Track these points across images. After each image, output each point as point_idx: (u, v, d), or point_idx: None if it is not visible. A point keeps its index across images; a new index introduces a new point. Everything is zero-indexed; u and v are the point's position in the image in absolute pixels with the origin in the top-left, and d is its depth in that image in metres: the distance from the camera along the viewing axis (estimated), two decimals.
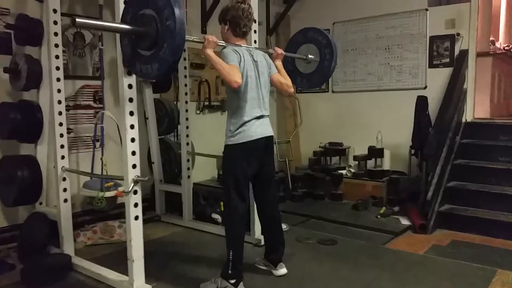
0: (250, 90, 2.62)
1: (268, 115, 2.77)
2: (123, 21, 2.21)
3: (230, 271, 2.57)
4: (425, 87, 4.91)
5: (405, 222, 4.06)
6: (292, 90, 2.94)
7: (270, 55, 2.96)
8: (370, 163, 5.00)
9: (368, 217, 4.24)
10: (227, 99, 2.74)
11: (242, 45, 2.70)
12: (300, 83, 3.48)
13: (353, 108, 5.48)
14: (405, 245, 3.51)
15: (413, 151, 4.60)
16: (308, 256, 3.24)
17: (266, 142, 2.71)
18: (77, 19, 1.91)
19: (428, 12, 4.85)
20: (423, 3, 4.87)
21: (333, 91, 5.71)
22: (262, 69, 2.73)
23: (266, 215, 2.91)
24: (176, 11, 1.98)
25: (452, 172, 4.22)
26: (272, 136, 2.77)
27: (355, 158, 5.09)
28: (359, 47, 5.44)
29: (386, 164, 4.95)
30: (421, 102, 4.43)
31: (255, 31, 3.28)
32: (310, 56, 3.35)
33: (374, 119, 5.21)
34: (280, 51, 3.00)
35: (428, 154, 4.14)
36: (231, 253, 2.58)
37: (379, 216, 4.22)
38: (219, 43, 2.55)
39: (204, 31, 4.95)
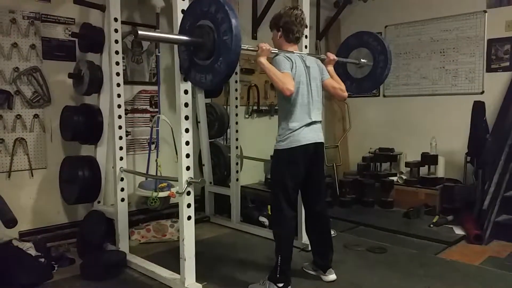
0: (301, 96, 2.62)
1: (320, 121, 2.76)
2: (181, 30, 2.29)
3: (278, 275, 2.59)
4: (482, 92, 4.70)
5: (459, 232, 3.91)
6: (346, 94, 2.91)
7: (323, 60, 2.96)
8: (423, 170, 4.85)
9: (420, 225, 4.12)
10: (278, 105, 2.76)
11: (294, 51, 2.72)
12: (349, 88, 3.40)
13: (406, 113, 5.34)
14: (459, 255, 3.38)
15: (469, 158, 4.43)
16: (357, 263, 3.20)
17: (316, 148, 2.70)
18: (139, 32, 2.02)
19: (486, 14, 4.65)
20: (481, 5, 4.68)
21: (384, 95, 5.59)
22: (314, 75, 2.73)
23: (314, 220, 2.90)
24: (234, 26, 2.02)
25: (510, 181, 4.01)
26: (322, 142, 2.76)
27: (407, 164, 4.95)
28: (412, 50, 5.30)
29: (440, 171, 4.78)
30: (478, 108, 4.25)
31: (306, 36, 3.29)
32: (363, 60, 3.30)
33: (427, 125, 5.06)
34: (332, 56, 3.00)
35: (486, 161, 3.97)
36: (279, 257, 2.60)
37: (431, 225, 4.08)
38: (272, 51, 2.58)
39: (254, 37, 5.03)
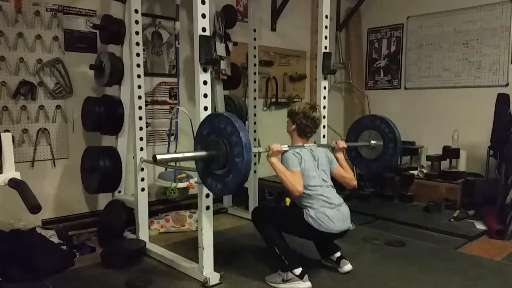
0: (316, 186, 2.65)
1: (342, 203, 2.72)
2: (198, 135, 2.40)
3: (287, 263, 2.61)
4: (507, 85, 4.59)
5: (480, 226, 3.85)
6: (355, 183, 2.94)
7: (332, 148, 3.00)
8: (445, 164, 4.77)
9: (440, 220, 4.06)
10: (296, 200, 2.75)
11: (304, 145, 2.78)
12: (358, 165, 3.48)
13: (427, 106, 5.26)
14: (480, 250, 3.33)
15: (491, 152, 4.35)
16: (375, 256, 3.18)
17: (341, 234, 2.71)
18: (157, 157, 2.19)
19: None
20: None
21: (405, 88, 5.51)
22: (323, 166, 2.77)
23: None
24: (245, 151, 2.12)
25: None
26: (347, 230, 2.73)
27: (428, 158, 4.88)
28: (434, 42, 5.20)
29: (462, 165, 4.70)
30: (502, 100, 4.15)
31: (326, 27, 3.26)
32: (373, 142, 3.31)
33: (449, 118, 4.97)
34: (342, 144, 3.04)
35: (509, 155, 3.88)
36: (275, 248, 2.64)
37: (452, 220, 4.02)
38: (283, 149, 2.65)
39: (273, 29, 5.00)
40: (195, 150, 2.41)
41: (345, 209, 2.71)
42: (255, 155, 4.03)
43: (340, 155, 3.01)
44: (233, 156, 2.18)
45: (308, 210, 2.61)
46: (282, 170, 2.57)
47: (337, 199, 2.71)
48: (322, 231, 2.59)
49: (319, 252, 2.95)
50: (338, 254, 2.86)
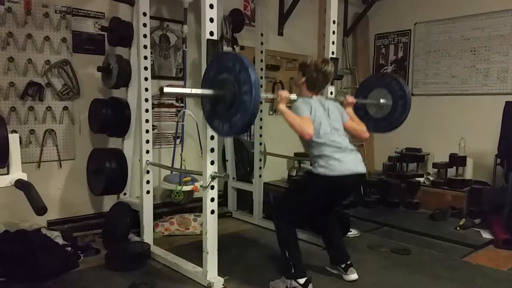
0: (327, 133, 2.63)
1: (355, 149, 2.72)
2: (205, 77, 2.35)
3: (293, 271, 2.59)
4: None
5: (486, 235, 3.81)
6: (367, 135, 2.89)
7: (341, 103, 2.98)
8: (451, 172, 4.74)
9: (446, 228, 4.02)
10: (307, 151, 2.76)
11: (313, 96, 2.76)
12: (366, 124, 3.41)
13: (434, 113, 5.23)
14: (486, 259, 3.29)
15: (499, 160, 4.30)
16: (380, 264, 3.16)
17: (356, 180, 2.69)
18: (164, 89, 2.12)
19: None
20: None
21: (412, 94, 5.47)
22: (335, 117, 2.75)
23: (324, 217, 2.93)
24: (255, 87, 2.07)
25: None
26: (364, 173, 2.71)
27: (434, 165, 4.85)
28: (442, 48, 5.18)
29: (469, 173, 4.67)
30: (510, 108, 4.12)
31: (333, 32, 3.26)
32: (382, 101, 3.30)
33: (456, 125, 4.94)
34: (351, 99, 3.03)
35: None
36: (287, 252, 2.61)
37: (458, 228, 3.99)
38: (292, 97, 2.62)
39: (281, 33, 5.01)
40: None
41: (357, 153, 2.68)
42: (261, 119, 4.02)
43: (350, 110, 2.97)
44: (241, 94, 2.11)
45: (318, 162, 2.59)
46: (291, 115, 2.52)
47: (349, 145, 2.67)
48: (336, 176, 2.53)
49: (331, 257, 2.91)
50: (348, 261, 2.84)
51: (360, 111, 3.33)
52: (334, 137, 2.64)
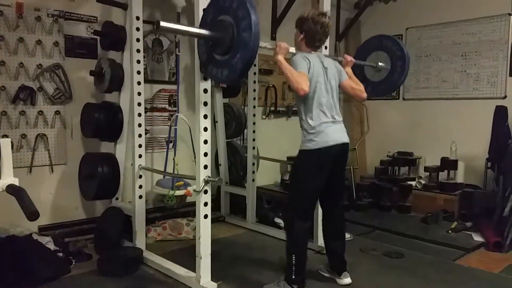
0: (320, 96, 2.61)
1: (341, 120, 2.74)
2: (202, 23, 2.31)
3: (293, 276, 2.58)
4: (505, 97, 4.61)
5: (478, 238, 3.84)
6: (365, 95, 2.88)
7: (340, 62, 2.95)
8: (442, 175, 4.78)
9: (438, 231, 4.05)
10: (297, 106, 2.73)
11: (312, 52, 2.72)
12: (365, 90, 3.40)
13: (425, 117, 5.28)
14: (477, 262, 3.32)
15: (489, 164, 4.35)
16: (373, 267, 3.17)
17: (342, 150, 2.67)
18: (161, 23, 2.03)
19: (511, 17, 4.56)
20: (506, 8, 4.58)
21: (404, 98, 5.53)
22: (332, 75, 2.71)
23: (330, 221, 2.89)
24: (254, 23, 2.03)
25: None
26: (347, 143, 2.73)
27: (426, 169, 4.89)
28: (433, 53, 5.23)
29: (460, 176, 4.71)
30: (500, 112, 4.18)
31: None
32: (380, 64, 3.29)
33: (448, 129, 4.98)
34: (349, 58, 2.99)
35: (507, 167, 3.88)
36: (293, 257, 2.59)
37: (450, 231, 4.02)
38: (290, 50, 2.58)
39: (273, 38, 5.02)
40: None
41: (341, 124, 2.71)
42: (254, 123, 4.02)
43: (349, 70, 2.94)
44: (240, 32, 2.07)
45: (305, 136, 2.60)
46: (289, 68, 2.47)
47: (336, 116, 2.68)
48: (324, 148, 2.55)
49: (331, 265, 2.89)
50: (345, 265, 2.84)
51: (358, 75, 3.25)
52: (325, 107, 2.62)
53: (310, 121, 2.60)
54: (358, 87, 2.85)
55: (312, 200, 2.71)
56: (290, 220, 2.67)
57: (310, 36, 2.68)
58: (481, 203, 4.27)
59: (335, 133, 2.62)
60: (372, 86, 3.38)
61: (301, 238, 2.66)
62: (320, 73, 2.63)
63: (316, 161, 2.60)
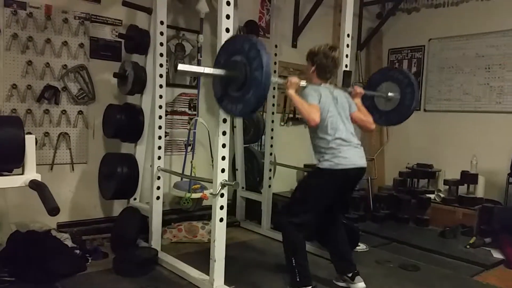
0: (331, 124, 2.66)
1: (360, 145, 2.77)
2: (216, 64, 2.41)
3: (298, 279, 2.59)
4: None
5: (497, 255, 3.75)
6: (373, 126, 2.96)
7: (350, 93, 3.00)
8: (462, 189, 4.69)
9: (456, 246, 3.97)
10: (312, 139, 2.78)
11: (323, 84, 2.79)
12: (378, 120, 3.44)
13: (446, 129, 5.20)
14: (496, 280, 3.23)
15: (511, 179, 4.25)
16: (388, 280, 3.13)
17: (358, 174, 2.73)
18: (179, 66, 2.23)
19: None
20: None
21: (425, 110, 5.46)
22: (342, 106, 2.78)
23: (330, 225, 2.92)
24: (265, 63, 2.13)
25: None
26: (365, 168, 2.76)
27: (445, 182, 4.81)
28: (456, 65, 5.17)
29: (480, 191, 4.61)
30: None
31: (347, 45, 3.29)
32: (390, 94, 3.34)
33: (469, 142, 4.90)
34: (359, 89, 3.06)
35: None
36: (293, 260, 2.61)
37: (468, 246, 3.93)
38: (301, 85, 2.67)
39: (294, 45, 5.04)
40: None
41: (360, 149, 2.74)
42: (272, 129, 4.10)
43: (358, 101, 3.00)
44: (253, 71, 2.18)
45: (323, 156, 2.64)
46: (300, 101, 2.59)
47: (354, 140, 2.71)
48: (340, 169, 2.59)
49: (336, 267, 2.90)
50: (355, 270, 2.82)
51: (368, 106, 3.34)
52: (340, 133, 2.66)
53: (327, 142, 2.64)
54: (366, 119, 2.91)
55: (313, 216, 2.74)
56: (285, 227, 2.71)
57: (322, 69, 2.78)
58: (501, 219, 4.17)
59: (353, 157, 2.67)
60: (384, 116, 3.46)
61: (297, 241, 2.68)
62: (330, 103, 2.71)
63: (332, 182, 2.66)
